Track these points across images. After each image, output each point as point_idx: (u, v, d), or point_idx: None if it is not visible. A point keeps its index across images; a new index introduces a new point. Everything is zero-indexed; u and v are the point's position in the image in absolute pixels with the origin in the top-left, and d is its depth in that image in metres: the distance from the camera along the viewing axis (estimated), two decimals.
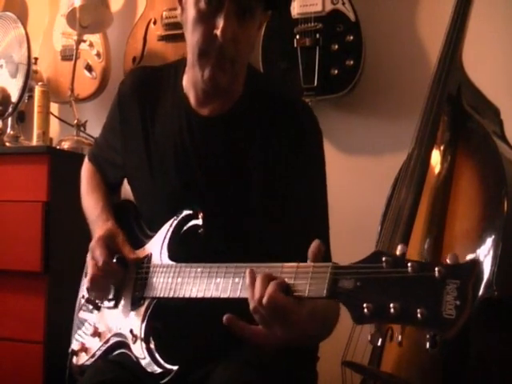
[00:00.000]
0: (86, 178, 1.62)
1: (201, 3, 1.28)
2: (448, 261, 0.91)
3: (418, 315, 0.90)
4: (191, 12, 1.30)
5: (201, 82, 1.34)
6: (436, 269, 0.90)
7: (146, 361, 1.28)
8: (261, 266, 1.12)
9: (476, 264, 0.90)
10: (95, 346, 1.43)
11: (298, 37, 2.30)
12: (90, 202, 1.55)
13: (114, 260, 1.37)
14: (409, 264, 0.93)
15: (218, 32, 1.26)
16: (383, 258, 0.96)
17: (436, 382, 1.53)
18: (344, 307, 1.00)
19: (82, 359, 1.45)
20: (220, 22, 1.26)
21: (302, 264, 1.07)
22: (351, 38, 2.27)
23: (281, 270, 1.09)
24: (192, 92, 1.40)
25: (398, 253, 0.96)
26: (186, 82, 1.42)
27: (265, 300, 1.05)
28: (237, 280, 1.14)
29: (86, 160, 1.65)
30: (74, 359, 1.47)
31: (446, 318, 0.88)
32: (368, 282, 0.97)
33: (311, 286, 1.04)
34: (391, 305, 0.92)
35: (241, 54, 1.31)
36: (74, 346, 1.48)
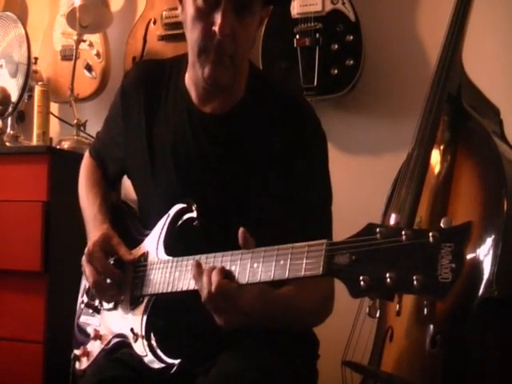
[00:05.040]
0: (85, 173, 1.61)
1: (199, 1, 1.28)
2: (442, 224, 0.91)
3: (415, 282, 0.90)
4: (190, 10, 1.30)
5: (202, 80, 1.34)
6: (430, 234, 0.90)
7: (148, 358, 1.28)
8: (256, 250, 1.12)
9: (470, 226, 0.90)
10: (96, 349, 1.43)
11: (297, 36, 2.30)
12: (88, 199, 1.55)
13: (112, 262, 1.38)
14: (403, 232, 0.93)
15: (216, 28, 1.26)
16: (377, 230, 0.96)
17: (436, 381, 1.53)
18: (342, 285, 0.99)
19: (85, 364, 1.45)
20: (218, 19, 1.26)
21: (296, 244, 1.07)
22: (351, 37, 2.27)
23: (276, 253, 1.09)
24: (193, 90, 1.41)
25: (391, 222, 0.96)
26: (188, 79, 1.42)
27: (213, 288, 1.12)
28: (233, 268, 1.14)
29: (87, 154, 1.64)
30: (77, 364, 1.47)
31: (442, 282, 0.88)
32: (363, 254, 0.96)
33: (307, 265, 1.04)
34: (387, 275, 0.92)
35: (240, 49, 1.31)
36: (76, 351, 1.48)
